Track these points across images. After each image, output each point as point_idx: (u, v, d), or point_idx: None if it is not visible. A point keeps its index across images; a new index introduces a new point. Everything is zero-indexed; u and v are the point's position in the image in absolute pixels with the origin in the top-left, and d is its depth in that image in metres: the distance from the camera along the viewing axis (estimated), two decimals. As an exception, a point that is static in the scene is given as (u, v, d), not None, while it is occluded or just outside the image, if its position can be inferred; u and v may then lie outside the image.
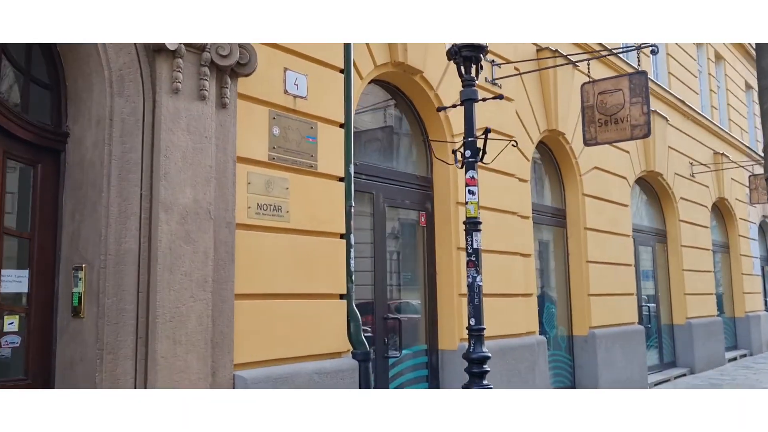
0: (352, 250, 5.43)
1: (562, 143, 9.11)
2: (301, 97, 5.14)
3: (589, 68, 7.99)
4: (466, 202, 4.35)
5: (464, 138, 4.33)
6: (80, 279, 3.95)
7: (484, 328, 4.28)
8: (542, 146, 9.06)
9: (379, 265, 6.27)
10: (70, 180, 4.15)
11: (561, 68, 8.56)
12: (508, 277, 7.32)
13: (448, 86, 6.71)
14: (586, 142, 7.86)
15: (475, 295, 4.20)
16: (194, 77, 4.28)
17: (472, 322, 4.22)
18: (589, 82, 7.82)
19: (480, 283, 4.23)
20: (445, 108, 5.52)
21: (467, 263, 4.28)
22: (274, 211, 4.83)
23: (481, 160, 4.29)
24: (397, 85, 6.66)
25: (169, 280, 4.04)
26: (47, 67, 4.21)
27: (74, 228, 4.07)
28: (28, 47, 4.11)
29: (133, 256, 3.97)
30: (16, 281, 3.97)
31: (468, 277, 4.28)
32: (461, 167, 4.41)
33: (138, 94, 4.08)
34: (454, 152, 4.60)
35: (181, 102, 4.21)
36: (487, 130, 4.31)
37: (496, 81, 7.51)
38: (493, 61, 7.53)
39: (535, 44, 8.40)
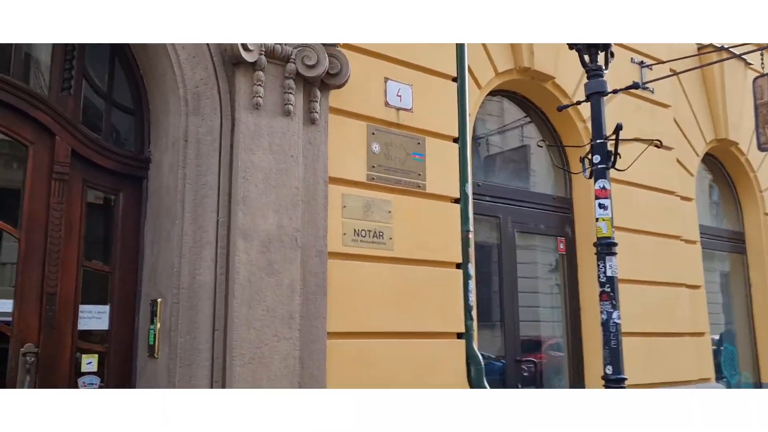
0: (470, 281, 4.70)
1: (735, 155, 7.74)
2: (405, 109, 4.57)
3: (762, 61, 6.68)
4: (597, 219, 3.49)
5: (591, 140, 3.49)
6: (156, 315, 3.61)
7: (625, 378, 3.37)
8: (710, 159, 7.75)
9: (509, 298, 5.46)
10: (151, 208, 3.87)
11: (729, 67, 7.28)
12: (672, 313, 6.16)
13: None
14: (761, 146, 6.52)
15: (611, 336, 3.32)
16: (277, 91, 3.87)
17: (609, 370, 3.34)
18: (762, 75, 6.52)
19: (617, 321, 3.34)
20: (566, 106, 4.69)
21: (600, 295, 3.42)
22: (375, 238, 4.26)
23: (613, 165, 3.43)
24: (525, 94, 5.90)
25: (247, 317, 3.58)
26: (131, 89, 4.01)
27: (153, 259, 3.77)
28: (110, 71, 3.93)
29: (208, 289, 3.58)
30: (96, 317, 3.73)
31: (601, 312, 3.41)
32: (589, 176, 3.56)
33: (215, 111, 3.73)
34: (582, 160, 3.76)
35: (262, 119, 3.80)
36: (618, 127, 3.44)
37: (647, 85, 6.47)
38: (642, 62, 6.53)
39: (698, 44, 7.22)
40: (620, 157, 3.55)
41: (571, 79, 5.80)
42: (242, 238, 3.64)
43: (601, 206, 3.43)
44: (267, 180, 3.78)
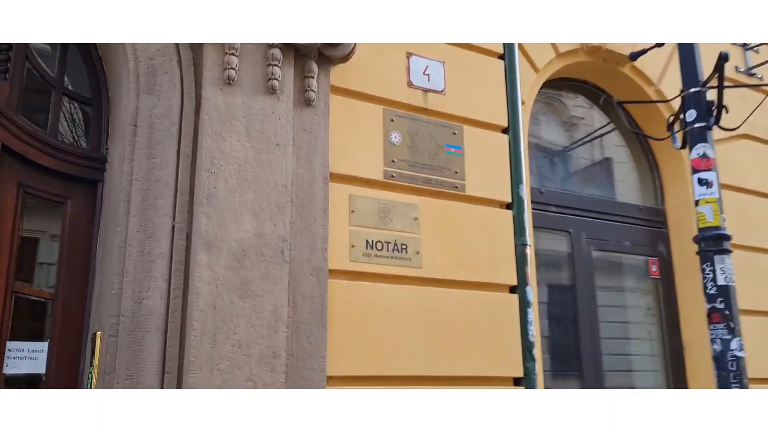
0: (530, 310, 3.59)
1: None
2: (435, 91, 3.61)
3: None
4: (697, 202, 2.37)
5: (682, 91, 2.40)
6: (95, 353, 2.73)
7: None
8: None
9: (587, 334, 4.27)
10: (104, 217, 3.05)
11: None
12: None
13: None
14: None
15: (729, 376, 2.14)
16: (258, 63, 3.02)
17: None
18: None
19: (738, 353, 2.17)
20: (639, 54, 3.56)
21: (709, 316, 2.28)
22: (395, 252, 3.27)
23: (717, 122, 2.32)
24: (596, 82, 4.80)
25: (211, 354, 2.65)
26: (88, 75, 3.25)
27: (100, 282, 2.92)
28: (63, 54, 3.19)
29: (157, 317, 2.68)
30: (30, 358, 2.89)
31: (712, 342, 2.25)
32: (680, 146, 2.45)
33: (174, 89, 2.91)
34: (669, 125, 2.65)
35: (237, 97, 2.94)
36: (722, 58, 2.33)
37: (754, 71, 5.25)
38: (745, 44, 5.30)
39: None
40: (727, 112, 2.42)
41: (654, 60, 4.66)
42: (205, 249, 2.74)
43: (702, 182, 2.32)
44: (242, 174, 2.89)
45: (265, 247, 2.87)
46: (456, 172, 3.58)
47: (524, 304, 3.59)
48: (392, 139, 3.42)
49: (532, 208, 4.02)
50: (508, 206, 3.75)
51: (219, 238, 2.78)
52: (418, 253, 3.33)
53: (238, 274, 2.78)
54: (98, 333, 2.74)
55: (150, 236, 2.76)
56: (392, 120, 3.45)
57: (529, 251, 3.70)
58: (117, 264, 2.71)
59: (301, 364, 2.89)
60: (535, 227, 4.11)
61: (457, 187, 3.56)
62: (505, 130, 3.85)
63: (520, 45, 4.01)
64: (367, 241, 3.21)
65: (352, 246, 3.16)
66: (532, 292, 3.64)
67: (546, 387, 3.67)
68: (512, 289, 3.63)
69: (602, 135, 4.96)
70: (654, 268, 4.72)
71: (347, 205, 3.21)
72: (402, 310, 3.22)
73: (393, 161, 3.39)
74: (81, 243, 3.06)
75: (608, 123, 4.97)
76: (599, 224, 4.58)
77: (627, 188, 4.96)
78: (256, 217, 2.88)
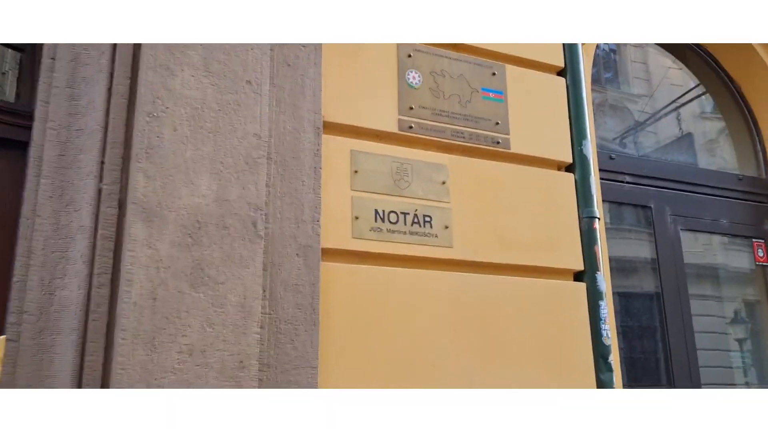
0: (602, 303, 2.70)
1: None
2: (466, 20, 2.76)
3: None
4: None
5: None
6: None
7: None
8: None
9: (677, 336, 3.32)
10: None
11: None
12: None
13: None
14: None
15: None
16: (222, -24, 2.25)
17: None
18: None
19: None
20: None
21: None
22: (416, 226, 2.44)
23: None
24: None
25: (147, 364, 1.89)
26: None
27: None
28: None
29: (74, 314, 1.94)
30: (-67, 372, 2.18)
31: None
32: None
33: (106, 9, 2.16)
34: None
35: (192, 19, 2.18)
36: None
37: None
38: None
39: None
40: None
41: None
42: (143, 220, 1.98)
43: None
44: (198, 120, 2.12)
45: (230, 217, 2.09)
46: (497, 124, 2.72)
47: (595, 296, 2.70)
48: (409, 79, 2.60)
49: (600, 178, 3.12)
50: (569, 168, 2.87)
51: (163, 204, 2.02)
52: (446, 227, 2.49)
53: (189, 254, 2.01)
54: (3, 337, 2.01)
55: (68, 204, 2.02)
56: (409, 55, 2.63)
57: (599, 226, 2.81)
58: (22, 242, 1.98)
59: (282, 378, 2.09)
60: (605, 201, 3.21)
61: (498, 143, 2.70)
62: (561, 72, 2.98)
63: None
64: (376, 212, 2.39)
65: (356, 218, 2.35)
66: (605, 280, 2.74)
67: (627, 406, 2.75)
68: (577, 276, 2.74)
69: (693, 99, 4.01)
70: (761, 253, 3.73)
71: (348, 164, 2.40)
72: (425, 303, 2.38)
73: (411, 108, 2.57)
74: (4, 221, 2.36)
75: (697, 85, 4.01)
76: (688, 198, 3.63)
77: (721, 154, 3.98)
78: (218, 177, 2.11)
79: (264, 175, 2.18)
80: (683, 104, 4.20)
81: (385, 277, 2.34)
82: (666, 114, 4.15)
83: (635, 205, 3.50)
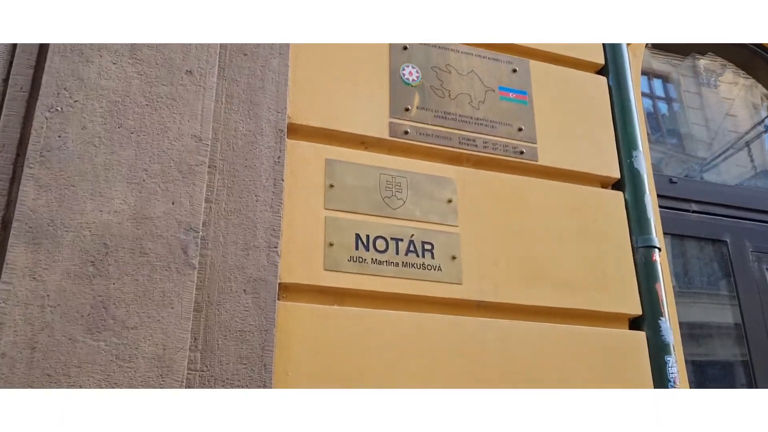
0: (671, 360, 2.03)
1: None
2: (477, 7, 2.24)
3: None
4: None
5: None
6: None
7: None
8: None
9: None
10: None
11: None
12: None
13: None
14: None
15: None
16: (162, -53, 1.81)
17: None
18: None
19: None
20: None
21: None
22: (412, 255, 1.86)
23: None
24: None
25: (13, 442, 1.32)
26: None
27: None
28: None
29: None
30: None
31: None
32: None
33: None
34: None
35: (119, -4, 1.73)
36: None
37: None
38: None
39: None
40: None
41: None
42: (28, 242, 1.48)
43: None
44: (116, 116, 1.65)
45: (152, 239, 1.57)
46: (520, 130, 2.15)
47: (659, 350, 2.03)
48: (404, 75, 2.08)
49: (659, 206, 2.49)
50: (616, 186, 2.26)
51: (58, 222, 1.51)
52: (453, 258, 1.90)
53: (89, 288, 1.49)
54: None
55: (-69, 222, 1.54)
56: (405, 47, 2.12)
57: (659, 258, 2.16)
58: None
59: (213, 461, 1.50)
60: (666, 234, 2.56)
61: (522, 153, 2.13)
62: (601, 71, 2.41)
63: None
64: (357, 237, 1.83)
65: (330, 244, 1.79)
66: (671, 328, 2.07)
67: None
68: (634, 324, 2.09)
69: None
70: None
71: (321, 176, 1.86)
72: (423, 358, 1.77)
73: (407, 110, 2.03)
74: None
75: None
76: (772, 230, 2.93)
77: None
78: (138, 188, 1.60)
79: (203, 186, 1.67)
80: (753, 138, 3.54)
81: (369, 323, 1.75)
82: (734, 151, 3.50)
83: (705, 239, 2.83)
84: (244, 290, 1.65)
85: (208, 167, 1.72)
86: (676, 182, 2.84)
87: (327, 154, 1.89)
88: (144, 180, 1.62)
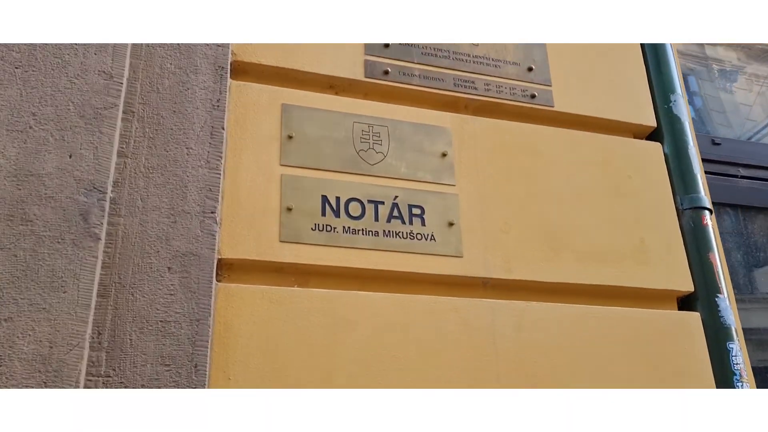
0: (734, 346, 1.59)
1: None
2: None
3: None
4: None
5: None
6: None
7: None
8: None
9: None
10: None
11: None
12: None
13: None
14: None
15: None
16: None
17: None
18: None
19: None
20: None
21: None
22: (396, 223, 1.44)
23: None
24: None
25: None
26: None
27: None
28: None
29: None
30: None
31: None
32: None
33: None
34: None
35: None
36: None
37: None
38: None
39: None
40: None
41: None
42: None
43: None
44: (-3, 47, 1.25)
45: (39, 202, 1.17)
46: (530, 70, 1.74)
47: (719, 333, 1.59)
48: None
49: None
50: (653, 137, 1.83)
51: None
52: (451, 224, 1.48)
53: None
54: None
55: None
56: (383, -28, 1.71)
57: (711, 222, 1.73)
58: None
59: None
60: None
61: (534, 96, 1.71)
62: None
63: None
64: (324, 200, 1.41)
65: (287, 209, 1.38)
66: (731, 307, 1.63)
67: None
68: (685, 303, 1.65)
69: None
70: None
71: (277, 125, 1.45)
72: (415, 354, 1.34)
73: (386, 46, 1.62)
74: None
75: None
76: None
77: None
78: (23, 138, 1.21)
79: (114, 135, 1.27)
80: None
81: (340, 308, 1.33)
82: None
83: (759, 209, 2.38)
84: (169, 268, 1.24)
85: (123, 112, 1.32)
86: (719, 143, 2.40)
87: (284, 99, 1.48)
88: (31, 127, 1.23)
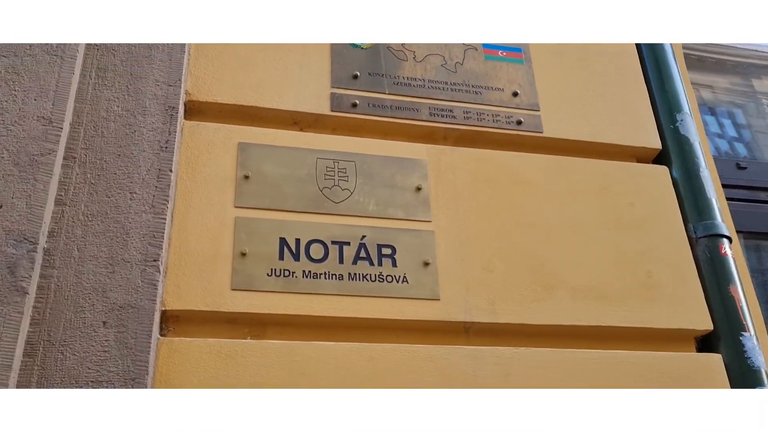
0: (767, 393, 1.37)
1: None
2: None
3: None
4: None
5: None
6: None
7: None
8: None
9: None
10: None
11: None
12: None
13: None
14: None
15: None
16: None
17: None
18: None
19: None
20: None
21: None
22: (364, 265, 1.32)
23: None
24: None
25: None
26: None
27: None
28: None
29: None
30: None
31: None
32: None
33: None
34: None
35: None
36: None
37: None
38: None
39: None
40: None
41: None
42: None
43: None
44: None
45: (-38, 256, 1.09)
46: (515, 95, 1.61)
47: (745, 378, 1.39)
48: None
49: (726, 198, 1.87)
50: (659, 160, 1.67)
51: None
52: (426, 264, 1.34)
53: None
54: None
55: None
56: None
57: (731, 252, 1.54)
58: None
59: None
60: (739, 232, 1.94)
61: (521, 123, 1.58)
62: None
63: None
64: (283, 242, 1.30)
65: (241, 254, 1.27)
66: (760, 346, 1.43)
67: None
68: (705, 343, 1.45)
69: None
70: None
71: (233, 165, 1.36)
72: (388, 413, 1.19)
73: (355, 77, 1.53)
74: None
75: None
76: None
77: None
78: (-49, 189, 1.14)
79: (49, 183, 1.19)
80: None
81: (301, 361, 1.20)
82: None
83: (796, 236, 2.16)
84: (104, 322, 1.14)
85: (64, 158, 1.25)
86: (745, 167, 2.21)
87: (241, 137, 1.39)
88: (-45, 175, 1.16)
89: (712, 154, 1.91)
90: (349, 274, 1.30)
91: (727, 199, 1.98)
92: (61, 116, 1.26)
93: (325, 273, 1.29)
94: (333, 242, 1.33)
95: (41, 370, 1.09)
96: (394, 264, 1.33)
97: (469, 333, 1.33)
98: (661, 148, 1.67)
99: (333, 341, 1.24)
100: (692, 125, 1.70)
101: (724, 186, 2.00)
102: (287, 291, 1.26)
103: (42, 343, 1.11)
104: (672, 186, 1.61)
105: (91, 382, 1.10)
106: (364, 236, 1.35)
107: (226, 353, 1.19)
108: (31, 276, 1.12)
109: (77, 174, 1.25)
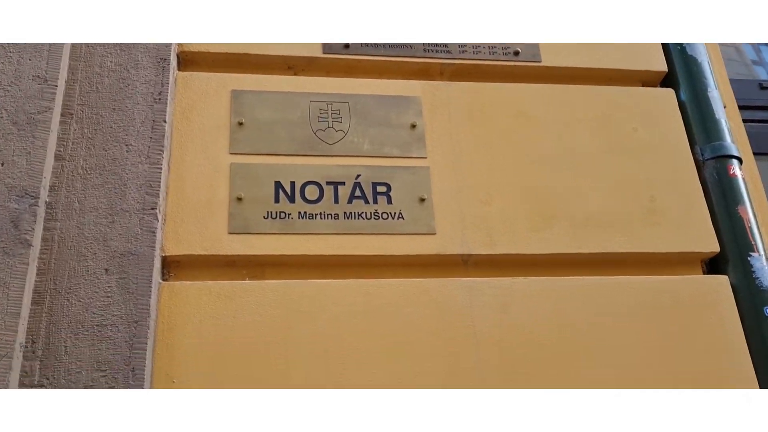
0: (777, 314, 1.35)
1: None
2: None
3: None
4: None
5: None
6: None
7: None
8: None
9: None
10: None
11: None
12: None
13: None
14: None
15: None
16: None
17: None
18: None
19: None
20: None
21: None
22: (359, 203, 1.34)
23: None
24: None
25: None
26: None
27: None
28: None
29: None
30: None
31: None
32: None
33: None
34: None
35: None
36: None
37: None
38: None
39: None
40: None
41: None
42: None
43: None
44: (-69, 64, 1.25)
45: (-31, 213, 1.15)
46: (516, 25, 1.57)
47: (755, 297, 1.37)
48: (342, -25, 1.56)
49: (744, 120, 1.81)
50: (666, 83, 1.62)
51: None
52: (422, 200, 1.35)
53: None
54: None
55: None
56: (342, -57, 1.61)
57: (740, 174, 1.50)
58: None
59: None
60: (758, 154, 1.88)
61: (518, 54, 1.55)
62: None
63: None
64: (278, 186, 1.32)
65: (237, 198, 1.30)
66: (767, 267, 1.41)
67: None
68: (713, 265, 1.43)
69: None
70: None
71: (226, 113, 1.38)
72: (385, 348, 1.22)
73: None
74: None
75: None
76: None
77: None
78: (-45, 150, 1.19)
79: (47, 139, 1.24)
80: None
81: (298, 300, 1.24)
82: None
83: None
84: (106, 270, 1.19)
85: (62, 115, 1.29)
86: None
87: (234, 85, 1.41)
88: (-33, 136, 1.21)
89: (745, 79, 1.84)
90: (345, 213, 1.32)
91: (750, 120, 1.92)
92: (55, 74, 1.30)
93: (320, 213, 1.31)
94: (328, 183, 1.34)
95: (49, 317, 1.15)
96: (390, 201, 1.34)
97: (467, 265, 1.34)
98: (667, 70, 1.61)
99: (329, 279, 1.27)
100: (703, 49, 1.63)
101: (747, 107, 1.94)
102: (283, 232, 1.29)
103: (49, 291, 1.16)
104: (678, 109, 1.57)
105: (96, 326, 1.15)
106: (358, 175, 1.36)
107: (226, 294, 1.23)
108: (34, 229, 1.17)
109: (74, 129, 1.29)
